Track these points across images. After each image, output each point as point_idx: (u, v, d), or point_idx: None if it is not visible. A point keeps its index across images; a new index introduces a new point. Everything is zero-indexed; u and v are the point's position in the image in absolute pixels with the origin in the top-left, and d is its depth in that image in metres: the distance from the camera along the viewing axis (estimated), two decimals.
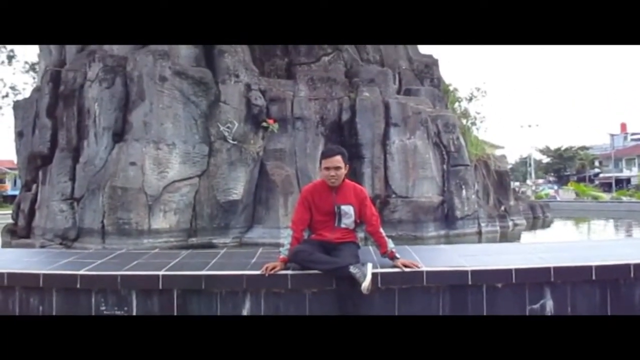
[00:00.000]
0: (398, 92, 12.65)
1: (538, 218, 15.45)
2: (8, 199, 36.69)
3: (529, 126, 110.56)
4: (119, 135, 10.00)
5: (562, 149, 77.84)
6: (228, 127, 10.02)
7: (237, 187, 10.00)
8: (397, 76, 13.14)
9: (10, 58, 21.66)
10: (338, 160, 4.77)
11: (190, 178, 9.90)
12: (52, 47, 12.48)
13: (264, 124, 10.45)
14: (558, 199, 30.55)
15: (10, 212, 13.16)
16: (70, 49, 11.93)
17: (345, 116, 11.18)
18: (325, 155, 4.88)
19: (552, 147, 79.14)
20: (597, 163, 77.87)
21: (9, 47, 21.31)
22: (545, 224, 15.05)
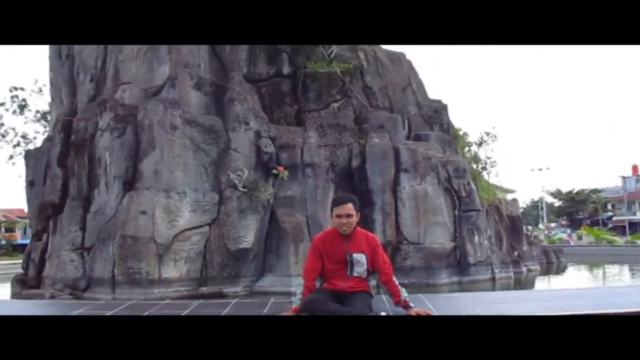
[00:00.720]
0: (407, 138, 12.68)
1: (552, 263, 15.30)
2: (18, 248, 36.69)
3: (540, 169, 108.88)
4: (129, 184, 10.01)
5: (574, 192, 77.23)
6: (238, 175, 10.00)
7: (248, 235, 9.93)
8: (406, 122, 13.19)
9: (22, 107, 21.89)
10: (349, 208, 4.73)
11: (200, 226, 9.85)
12: (64, 96, 12.66)
13: (274, 171, 10.43)
14: (571, 243, 30.26)
15: (21, 261, 13.14)
16: (82, 99, 12.10)
17: (355, 162, 11.16)
18: (337, 203, 4.84)
19: (564, 190, 78.57)
20: (609, 206, 77.26)
21: (21, 96, 21.57)
22: (560, 269, 14.87)
